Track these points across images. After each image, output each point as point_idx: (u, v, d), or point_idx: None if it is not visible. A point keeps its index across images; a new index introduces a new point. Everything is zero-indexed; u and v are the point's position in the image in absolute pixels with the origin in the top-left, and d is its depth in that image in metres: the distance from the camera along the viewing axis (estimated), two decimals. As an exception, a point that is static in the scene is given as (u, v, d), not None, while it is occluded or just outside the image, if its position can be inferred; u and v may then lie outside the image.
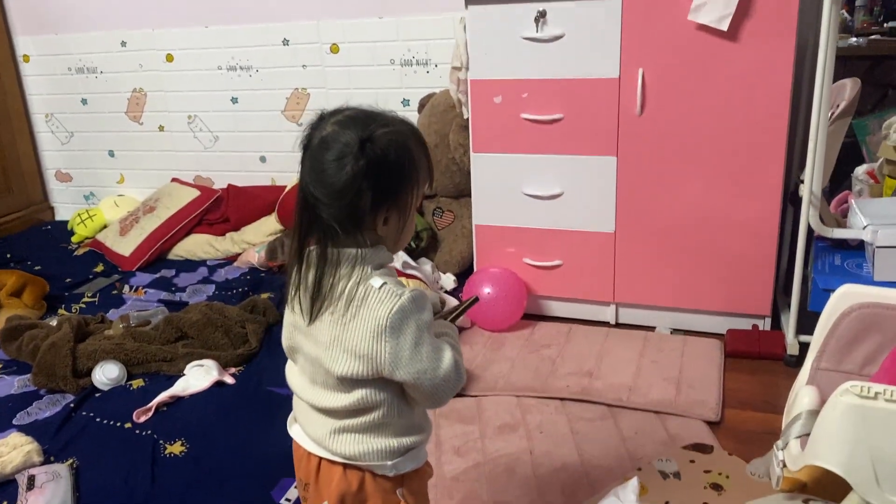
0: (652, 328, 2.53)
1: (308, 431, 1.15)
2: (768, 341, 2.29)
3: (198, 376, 2.15)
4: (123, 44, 3.54)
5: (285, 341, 1.18)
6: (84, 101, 3.73)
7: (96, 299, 2.86)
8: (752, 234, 2.29)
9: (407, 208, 1.10)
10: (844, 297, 1.39)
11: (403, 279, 2.44)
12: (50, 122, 3.86)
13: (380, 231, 1.08)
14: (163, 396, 2.05)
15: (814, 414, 1.35)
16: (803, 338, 2.21)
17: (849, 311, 1.38)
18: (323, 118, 1.08)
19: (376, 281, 1.04)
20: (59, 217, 4.01)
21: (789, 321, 2.23)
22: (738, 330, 2.35)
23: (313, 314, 1.07)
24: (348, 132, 1.04)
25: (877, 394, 1.02)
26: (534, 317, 2.65)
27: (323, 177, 1.03)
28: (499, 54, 2.40)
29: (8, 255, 3.26)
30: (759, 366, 2.27)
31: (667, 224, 2.37)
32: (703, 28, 2.15)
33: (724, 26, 2.11)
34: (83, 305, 2.80)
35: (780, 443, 1.37)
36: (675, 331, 2.51)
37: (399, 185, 1.07)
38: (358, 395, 1.07)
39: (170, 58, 3.48)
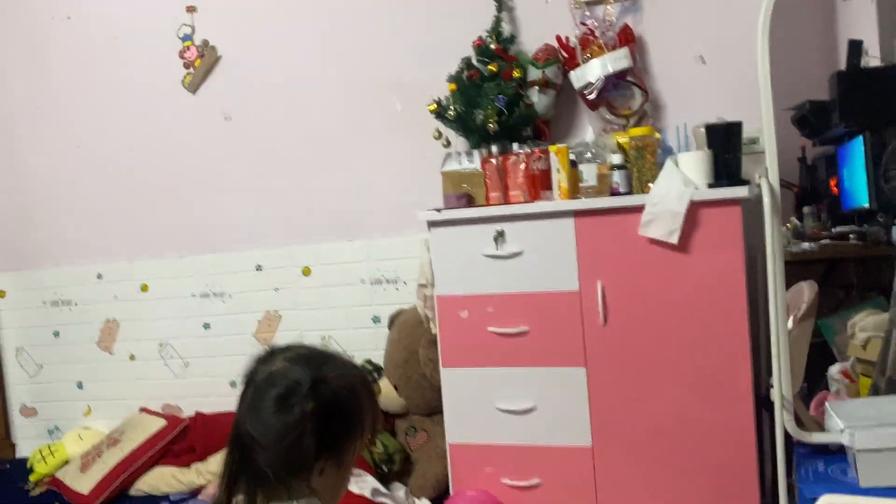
0: (641, 549, 2.37)
1: None
2: (766, 557, 2.14)
3: None
4: (99, 276, 3.61)
5: None
6: (56, 334, 3.72)
7: (45, 547, 2.65)
8: (730, 441, 2.23)
9: (346, 461, 1.03)
10: (826, 511, 1.32)
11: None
12: (20, 357, 3.82)
13: (314, 483, 1.01)
14: None
15: None
16: (800, 553, 2.07)
17: (834, 526, 1.31)
18: (273, 353, 1.05)
19: None
20: (20, 454, 3.83)
21: (782, 534, 2.10)
22: (727, 546, 2.21)
23: None
24: (298, 369, 1.00)
25: None
26: (515, 542, 2.48)
27: (264, 416, 0.97)
28: (462, 271, 2.47)
29: (-42, 500, 3.07)
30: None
31: (644, 434, 2.31)
32: (655, 241, 2.24)
33: (674, 239, 2.21)
34: (30, 554, 2.59)
35: None
36: (665, 551, 2.34)
37: (344, 435, 1.02)
38: None
39: (144, 287, 3.54)
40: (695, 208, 2.18)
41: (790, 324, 2.14)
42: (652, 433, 2.30)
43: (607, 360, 2.33)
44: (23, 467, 3.49)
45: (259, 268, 3.35)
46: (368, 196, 3.16)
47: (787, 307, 2.14)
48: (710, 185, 2.21)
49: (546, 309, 2.37)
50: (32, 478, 3.36)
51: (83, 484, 3.05)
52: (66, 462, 3.38)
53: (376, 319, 3.19)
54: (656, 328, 2.27)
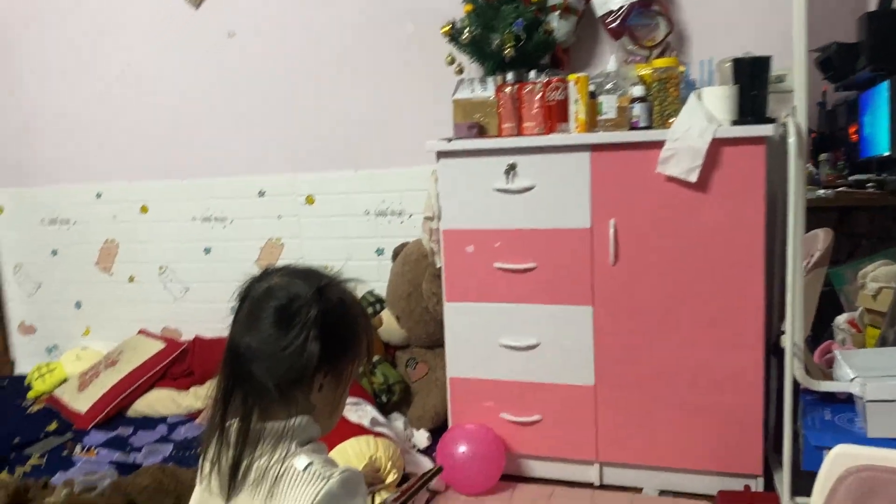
0: (639, 490, 2.36)
1: None
2: (762, 503, 2.13)
3: (141, 551, 1.95)
4: (98, 195, 3.54)
5: None
6: (54, 252, 3.68)
7: (44, 461, 2.66)
8: (737, 386, 2.19)
9: (344, 380, 0.99)
10: (840, 459, 1.28)
11: (366, 437, 2.28)
12: (18, 274, 3.78)
13: (313, 399, 0.97)
14: (99, 576, 1.84)
15: None
16: (800, 499, 2.06)
17: (846, 475, 1.27)
18: (268, 272, 1.00)
19: (301, 461, 0.92)
20: (18, 371, 3.84)
21: (783, 482, 2.08)
22: (730, 491, 2.20)
23: (229, 497, 0.93)
24: (299, 283, 0.96)
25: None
26: (513, 478, 2.47)
27: (263, 326, 0.93)
28: (470, 205, 2.39)
29: (-44, 413, 3.07)
30: (755, 531, 2.10)
31: (649, 376, 2.28)
32: (673, 179, 2.16)
33: (693, 178, 2.12)
34: (28, 469, 2.60)
35: None
36: (663, 492, 2.34)
37: (345, 348, 0.98)
38: None
39: (144, 209, 3.47)
40: (717, 146, 2.09)
41: (807, 270, 2.09)
42: (656, 376, 2.26)
43: (615, 301, 2.27)
44: (21, 384, 3.50)
45: (262, 193, 3.27)
46: (376, 123, 3.06)
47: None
48: (734, 123, 2.11)
49: (555, 246, 2.31)
50: (31, 395, 3.37)
51: (81, 403, 3.05)
52: (65, 381, 3.38)
53: (380, 252, 3.14)
54: (668, 270, 2.21)
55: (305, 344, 0.92)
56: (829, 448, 1.29)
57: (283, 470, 0.91)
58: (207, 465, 0.97)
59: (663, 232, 2.20)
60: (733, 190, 2.12)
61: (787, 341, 2.02)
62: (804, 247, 2.07)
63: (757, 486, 2.24)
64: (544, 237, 2.32)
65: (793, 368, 2.02)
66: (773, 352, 2.31)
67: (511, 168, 2.31)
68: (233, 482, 0.92)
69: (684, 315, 2.21)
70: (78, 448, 2.75)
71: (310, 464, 0.91)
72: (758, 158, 2.09)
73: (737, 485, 2.24)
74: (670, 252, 2.20)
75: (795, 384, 2.05)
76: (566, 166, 2.26)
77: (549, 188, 2.29)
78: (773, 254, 2.38)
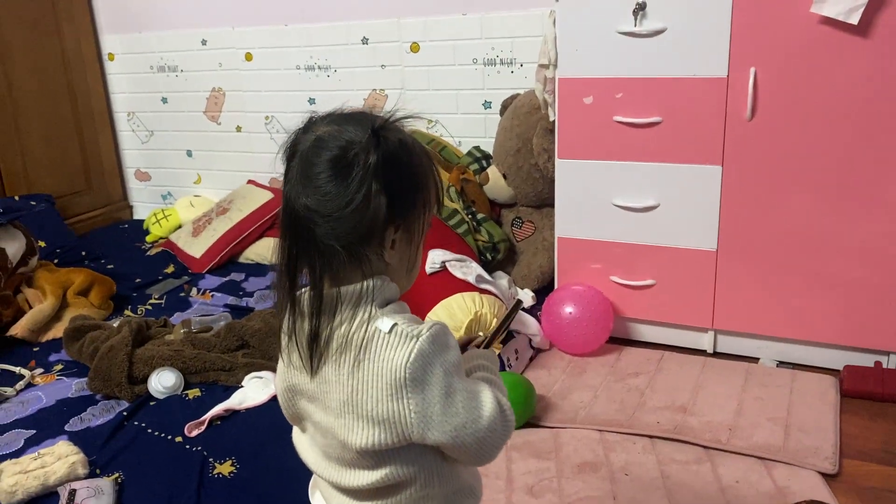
0: (755, 360, 2.26)
1: None
2: (894, 381, 1.99)
3: (256, 389, 2.02)
4: (204, 42, 3.49)
5: (285, 408, 0.98)
6: (164, 100, 3.72)
7: (163, 301, 2.79)
8: (877, 255, 2.00)
9: (416, 232, 0.89)
10: None
11: (471, 293, 2.24)
12: (131, 121, 3.86)
13: (387, 257, 0.87)
14: (217, 410, 1.93)
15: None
16: (939, 380, 1.90)
17: None
18: (312, 121, 0.88)
19: (384, 323, 0.83)
20: (137, 216, 4.01)
21: (922, 360, 1.93)
22: (858, 366, 2.06)
23: (313, 370, 0.87)
24: (351, 129, 0.84)
25: None
26: (621, 341, 2.41)
27: (320, 181, 0.82)
28: (591, 51, 2.19)
29: (83, 253, 3.24)
30: (882, 410, 1.97)
31: (777, 243, 2.10)
32: (828, 22, 1.89)
33: (855, 20, 1.84)
34: (149, 307, 2.73)
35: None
36: (781, 363, 2.23)
37: (413, 196, 0.87)
38: (385, 469, 0.87)
39: (249, 57, 3.41)
40: (889, -19, 1.79)
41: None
42: (787, 242, 2.09)
43: (748, 160, 2.07)
44: (140, 229, 3.65)
45: (365, 41, 3.13)
46: (487, -38, 2.82)
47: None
48: (914, -47, 1.80)
49: (685, 98, 2.10)
50: (149, 238, 3.52)
51: (195, 248, 3.15)
52: (179, 226, 3.50)
53: (487, 105, 2.99)
54: (811, 126, 1.98)
55: (370, 196, 0.82)
56: None
57: (366, 335, 0.83)
58: (285, 339, 0.91)
59: (811, 84, 1.95)
60: (894, 30, 1.83)
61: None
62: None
63: (889, 363, 2.08)
64: (672, 87, 2.11)
65: (951, 240, 1.80)
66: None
67: (640, 7, 2.07)
68: (314, 355, 0.86)
69: (824, 177, 2.00)
70: (194, 290, 2.86)
71: (395, 325, 0.83)
72: (939, -5, 1.78)
73: (866, 360, 2.10)
74: (816, 107, 1.96)
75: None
76: (704, 6, 2.00)
77: (682, 31, 2.05)
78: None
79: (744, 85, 2.01)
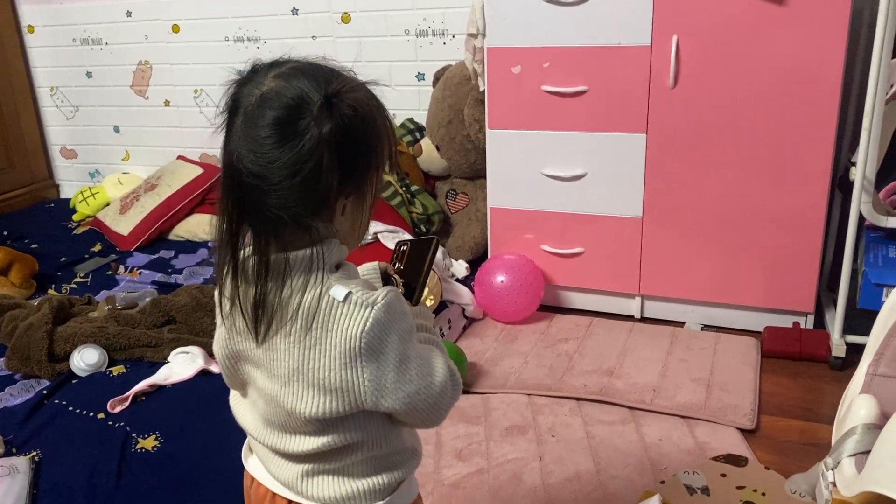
0: (681, 324, 2.32)
1: (271, 471, 0.93)
2: (811, 341, 2.07)
3: (182, 364, 1.98)
4: (129, 13, 3.38)
5: (226, 375, 0.94)
6: (89, 75, 3.59)
7: (88, 280, 2.71)
8: (795, 222, 2.06)
9: (366, 195, 0.85)
10: (907, 294, 1.18)
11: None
12: (55, 97, 3.72)
13: (337, 223, 0.83)
14: (142, 385, 1.88)
15: (872, 428, 1.16)
16: (851, 338, 1.98)
17: (910, 311, 1.18)
18: (257, 70, 0.81)
19: (338, 290, 0.80)
20: (63, 195, 3.88)
21: (835, 319, 2.00)
22: (778, 328, 2.13)
23: (260, 337, 0.83)
24: (300, 86, 0.77)
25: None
26: (551, 308, 2.44)
27: (265, 147, 0.76)
28: (518, 19, 2.19)
29: (4, 233, 3.12)
30: (800, 368, 2.05)
31: (700, 210, 2.15)
32: (747, -10, 1.92)
33: (772, -12, 1.88)
34: (74, 286, 2.65)
35: (829, 460, 1.18)
36: (706, 327, 2.29)
37: (365, 162, 0.82)
38: (331, 436, 0.85)
39: (176, 28, 3.32)
40: (802, -50, 1.84)
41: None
42: (710, 209, 2.14)
43: (672, 127, 2.11)
44: (66, 207, 3.54)
45: (295, 11, 3.07)
46: (417, -69, 2.79)
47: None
48: (826, -78, 1.84)
49: (610, 66, 2.12)
50: (76, 217, 3.41)
51: (122, 226, 3.07)
52: (107, 205, 3.39)
53: (420, 76, 2.97)
54: (733, 94, 2.02)
55: (320, 169, 0.76)
56: (891, 286, 1.18)
57: (319, 304, 0.80)
58: (227, 304, 0.85)
59: (734, 53, 1.99)
60: (816, 7, 1.88)
61: (856, 173, 1.86)
62: (888, 72, 1.86)
63: (806, 323, 2.16)
64: (598, 56, 2.12)
65: (860, 202, 1.87)
66: (840, 186, 2.16)
67: (565, -24, 2.08)
68: (260, 321, 0.82)
69: (746, 145, 2.05)
70: (122, 268, 2.79)
71: (349, 293, 0.80)
72: (848, -34, 1.83)
73: (785, 322, 2.17)
74: (737, 75, 2.00)
75: (860, 220, 1.91)
76: (627, -26, 2.03)
77: (607, 0, 2.07)
78: (851, 79, 2.16)
79: (667, 53, 2.04)
